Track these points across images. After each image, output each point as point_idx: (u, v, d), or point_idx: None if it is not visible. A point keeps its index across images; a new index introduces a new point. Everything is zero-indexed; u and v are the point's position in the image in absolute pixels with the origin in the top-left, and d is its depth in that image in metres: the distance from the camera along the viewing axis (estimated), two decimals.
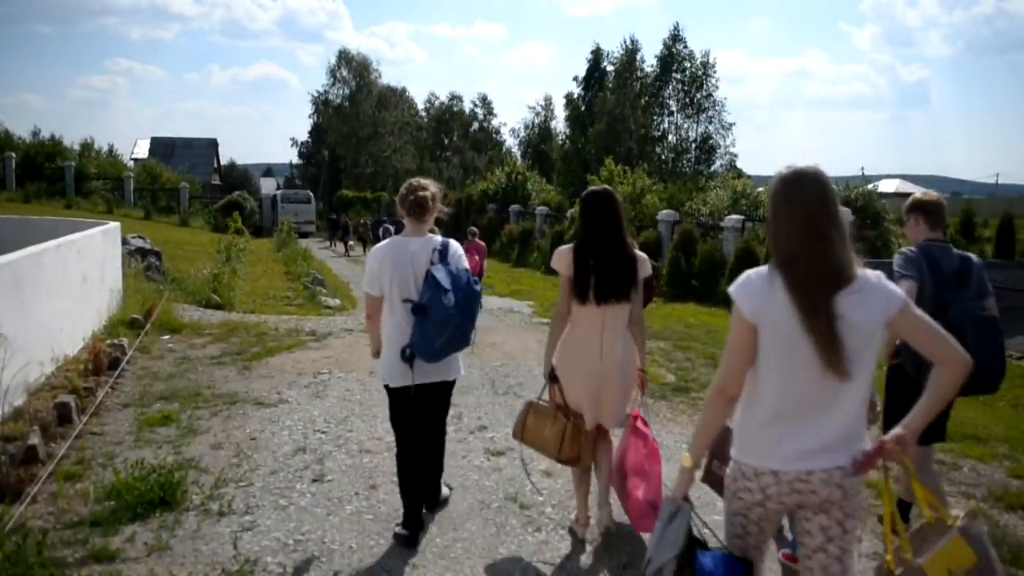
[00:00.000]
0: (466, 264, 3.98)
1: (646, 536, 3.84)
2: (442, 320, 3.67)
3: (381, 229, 25.08)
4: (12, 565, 3.38)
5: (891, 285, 2.24)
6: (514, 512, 4.40)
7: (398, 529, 4.01)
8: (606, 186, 4.12)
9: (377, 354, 4.13)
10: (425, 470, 4.16)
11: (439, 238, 3.96)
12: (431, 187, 3.98)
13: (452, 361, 3.99)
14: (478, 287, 3.91)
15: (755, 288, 2.24)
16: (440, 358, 3.82)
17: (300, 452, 5.25)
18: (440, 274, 3.72)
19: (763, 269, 2.28)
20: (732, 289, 2.31)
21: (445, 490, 4.48)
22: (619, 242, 3.79)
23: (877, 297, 2.19)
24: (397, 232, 4.58)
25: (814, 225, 2.18)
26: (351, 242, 30.55)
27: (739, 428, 2.38)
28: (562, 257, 3.82)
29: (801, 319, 2.15)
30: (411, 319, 3.74)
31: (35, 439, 4.81)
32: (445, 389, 4.13)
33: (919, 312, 2.24)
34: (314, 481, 4.75)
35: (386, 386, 4.02)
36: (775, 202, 2.28)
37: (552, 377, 3.92)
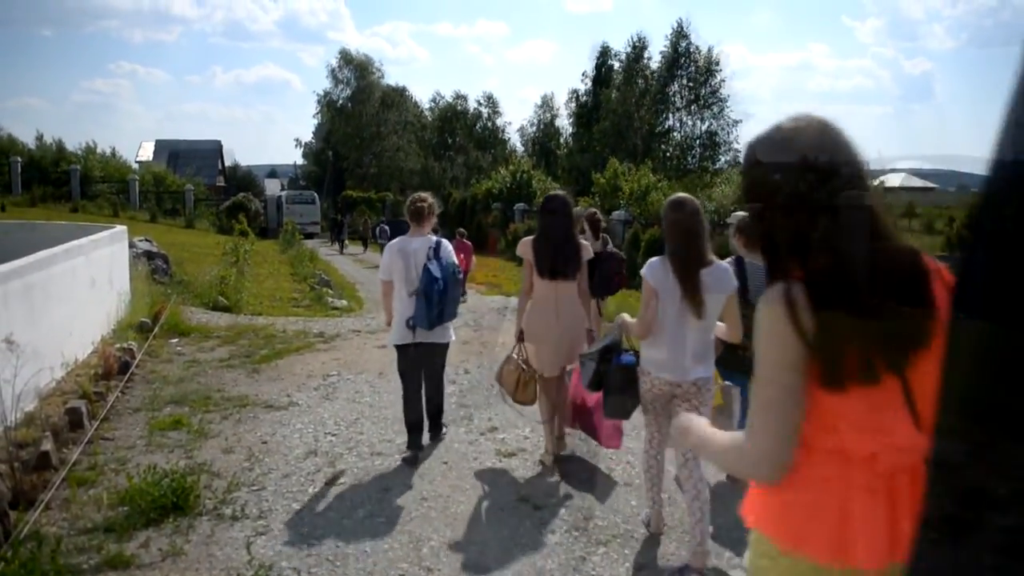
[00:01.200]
0: (454, 259, 5.20)
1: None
2: (436, 301, 4.94)
3: (378, 229, 26.20)
4: (27, 573, 3.38)
5: (732, 275, 3.72)
6: (528, 514, 4.39)
7: (405, 455, 5.24)
8: (559, 192, 5.19)
9: (389, 323, 5.39)
10: (429, 407, 5.49)
11: (434, 238, 5.21)
12: (429, 199, 5.30)
13: (444, 330, 5.23)
14: (460, 275, 5.27)
15: (657, 270, 3.64)
16: (434, 327, 5.05)
17: (311, 455, 5.25)
18: (433, 267, 4.96)
19: (659, 258, 3.68)
20: (644, 272, 3.66)
21: (444, 430, 5.73)
22: (567, 234, 4.89)
23: (724, 278, 3.65)
24: (393, 231, 5.98)
25: (689, 231, 3.60)
26: (346, 240, 32.44)
27: (644, 352, 3.82)
28: (526, 246, 4.93)
29: (680, 285, 3.57)
30: (413, 299, 5.00)
31: (48, 445, 4.82)
32: (441, 349, 5.38)
33: (736, 302, 3.72)
34: (326, 484, 4.75)
35: (395, 345, 5.26)
36: (665, 217, 3.69)
37: (520, 337, 5.04)
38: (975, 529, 1.15)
